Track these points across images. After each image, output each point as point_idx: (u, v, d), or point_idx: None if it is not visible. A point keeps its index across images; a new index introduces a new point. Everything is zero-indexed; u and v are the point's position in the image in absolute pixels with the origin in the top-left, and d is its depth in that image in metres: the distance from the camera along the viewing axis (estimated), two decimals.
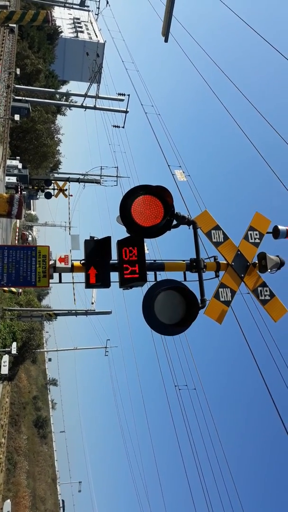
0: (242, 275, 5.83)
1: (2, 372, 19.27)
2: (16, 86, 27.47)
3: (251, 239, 6.02)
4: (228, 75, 12.21)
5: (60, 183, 29.12)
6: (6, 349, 22.69)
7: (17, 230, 40.30)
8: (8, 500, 19.85)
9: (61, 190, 28.82)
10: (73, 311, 29.10)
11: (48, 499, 47.90)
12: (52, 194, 29.24)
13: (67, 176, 30.67)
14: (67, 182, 29.25)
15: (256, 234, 6.06)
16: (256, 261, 5.93)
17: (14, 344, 23.29)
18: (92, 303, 29.25)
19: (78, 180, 29.88)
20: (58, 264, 5.30)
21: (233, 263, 5.84)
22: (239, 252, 5.91)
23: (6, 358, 19.57)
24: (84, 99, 27.13)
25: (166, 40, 12.42)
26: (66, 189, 29.03)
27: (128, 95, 26.12)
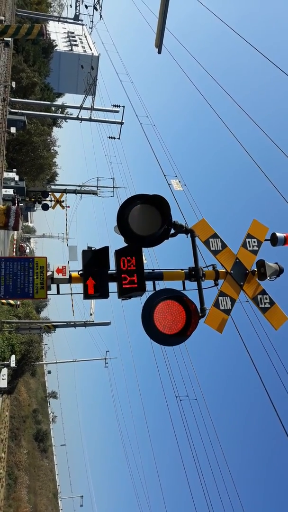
0: (242, 283, 5.79)
1: (1, 386, 19.08)
2: (12, 99, 27.64)
3: (250, 246, 6.00)
4: (222, 85, 12.32)
5: (57, 195, 29.18)
6: (5, 362, 22.50)
7: (15, 242, 40.28)
8: None
9: (58, 201, 28.87)
10: (71, 323, 28.95)
11: None
12: (49, 205, 29.27)
13: (64, 187, 30.73)
14: (64, 194, 29.31)
15: (254, 242, 6.03)
16: (255, 269, 5.89)
17: (13, 357, 23.10)
18: (91, 314, 29.12)
19: (75, 192, 29.94)
20: (56, 275, 5.26)
21: (232, 271, 5.81)
22: (237, 260, 5.88)
23: (5, 371, 19.40)
24: (79, 111, 27.31)
25: (159, 52, 12.52)
26: (63, 201, 29.09)
27: (123, 106, 26.33)
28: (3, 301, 25.85)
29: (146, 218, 5.22)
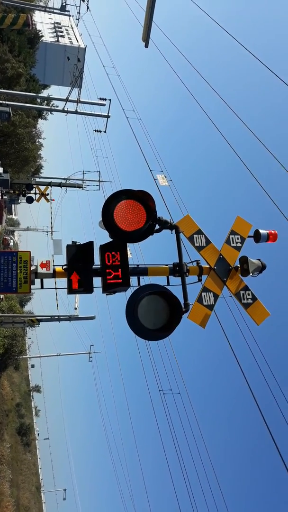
0: (225, 279, 5.86)
1: None
2: None
3: (233, 243, 6.07)
4: (209, 80, 12.34)
5: (42, 188, 28.89)
6: None
7: None
8: None
9: (43, 194, 28.61)
10: (56, 317, 28.82)
11: (32, 508, 47.23)
12: (34, 198, 28.98)
13: (49, 180, 30.42)
14: (49, 187, 29.04)
15: (238, 238, 6.11)
16: (238, 265, 5.97)
17: None
18: (75, 308, 29.05)
19: (60, 185, 29.67)
20: (39, 270, 5.25)
21: (215, 267, 5.87)
22: (221, 256, 5.95)
23: None
24: (65, 104, 26.99)
25: (146, 46, 12.48)
26: (48, 194, 28.81)
27: (110, 99, 26.10)
28: None
29: (131, 214, 5.24)
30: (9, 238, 57.15)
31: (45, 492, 59.80)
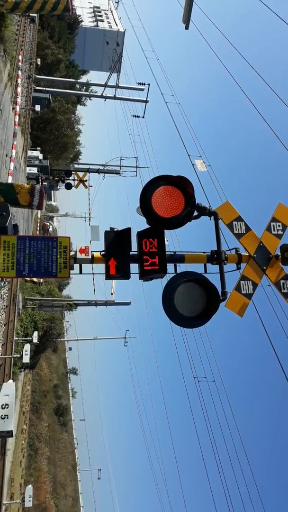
0: (264, 267, 5.71)
1: (24, 361, 19.54)
2: (37, 76, 27.54)
3: (274, 230, 5.89)
4: (251, 63, 11.94)
5: (80, 174, 29.20)
6: (28, 338, 23.03)
7: (38, 220, 40.72)
8: (30, 485, 20.25)
9: (81, 181, 28.90)
10: (93, 302, 29.34)
11: (68, 485, 48.87)
12: (73, 185, 29.35)
13: (87, 167, 30.72)
14: (87, 173, 29.31)
15: (279, 226, 5.92)
16: (279, 253, 5.80)
17: (36, 333, 23.60)
18: (112, 294, 29.43)
19: (98, 171, 29.90)
20: (78, 255, 5.30)
21: (255, 255, 5.73)
22: (261, 244, 5.79)
23: (27, 347, 19.83)
24: (104, 89, 27.04)
25: (187, 28, 12.22)
26: (86, 180, 29.10)
27: (148, 84, 25.91)
28: (27, 278, 26.36)
29: (169, 200, 5.18)
30: (48, 223, 58.36)
31: (81, 471, 61.62)
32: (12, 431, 8.81)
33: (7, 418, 8.53)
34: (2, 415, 8.52)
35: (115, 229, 5.31)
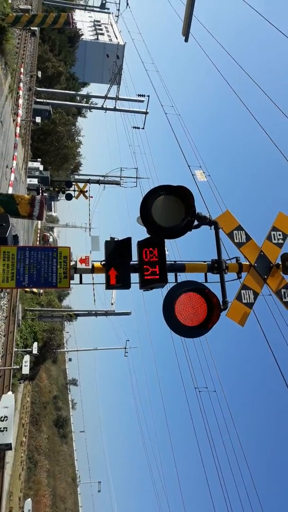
0: (265, 276, 5.70)
1: (23, 372, 19.41)
2: (38, 88, 27.82)
3: (274, 239, 5.89)
4: (250, 74, 12.06)
5: (81, 185, 29.31)
6: (28, 349, 22.91)
7: (39, 231, 40.79)
8: (29, 499, 20.02)
9: (82, 191, 29.00)
10: (93, 312, 29.26)
11: (68, 498, 48.26)
12: (73, 195, 29.45)
13: (87, 177, 30.85)
14: (88, 184, 29.43)
15: (280, 235, 5.93)
16: (280, 262, 5.79)
17: (35, 344, 23.49)
18: (112, 304, 29.36)
19: (98, 182, 30.01)
20: (78, 265, 5.29)
21: (255, 264, 5.73)
22: (262, 253, 5.79)
23: (27, 358, 19.72)
24: (104, 101, 27.28)
25: (186, 40, 12.34)
26: (86, 191, 29.20)
27: (148, 96, 26.16)
28: (27, 289, 26.31)
29: (170, 209, 5.18)
30: (48, 234, 58.47)
31: (81, 483, 60.90)
32: (11, 444, 8.72)
33: (6, 430, 8.44)
34: (1, 428, 8.44)
35: (115, 239, 5.31)
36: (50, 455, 41.84)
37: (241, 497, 16.99)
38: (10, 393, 10.46)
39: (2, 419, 8.48)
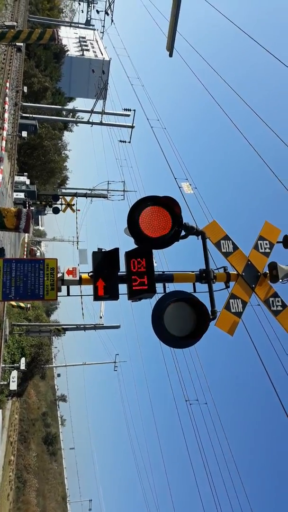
0: (253, 285, 5.73)
1: (11, 388, 19.14)
2: (24, 103, 27.91)
3: (261, 248, 5.93)
4: (234, 87, 12.27)
5: (68, 198, 29.32)
6: (15, 364, 22.58)
7: (25, 245, 40.51)
8: None
9: (69, 205, 29.00)
10: (81, 326, 29.00)
11: None
12: (60, 209, 29.41)
13: (74, 191, 30.89)
14: (75, 197, 29.44)
15: (266, 244, 5.97)
16: (267, 271, 5.83)
17: (23, 360, 23.18)
18: (101, 317, 29.15)
19: (85, 195, 30.06)
20: (66, 277, 5.25)
21: (243, 274, 5.75)
22: (249, 262, 5.82)
23: (15, 373, 19.46)
24: (90, 115, 27.46)
25: (170, 55, 12.53)
26: (73, 204, 29.20)
27: (134, 110, 26.44)
28: (13, 303, 25.99)
29: (156, 220, 5.20)
30: (36, 248, 58.03)
31: (71, 502, 59.63)
32: None
33: None
34: None
35: (103, 250, 5.29)
36: (40, 474, 40.98)
37: (234, 510, 16.75)
38: None
39: None
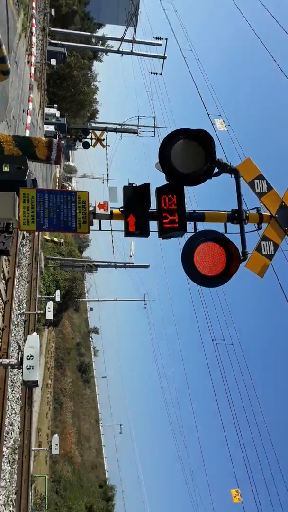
0: (286, 228, 5.56)
1: (47, 317, 20.12)
2: (52, 29, 26.61)
3: None
4: (273, 22, 11.19)
5: (98, 133, 28.60)
6: (51, 296, 23.56)
7: (57, 180, 40.51)
8: (56, 435, 21.41)
9: (99, 139, 28.32)
10: (112, 263, 29.55)
11: (92, 438, 51.14)
12: (90, 144, 28.85)
13: (104, 125, 30.03)
14: (105, 132, 28.70)
15: None
16: None
17: (58, 292, 24.10)
18: (131, 256, 29.51)
19: (115, 130, 29.22)
20: (97, 211, 5.26)
21: (276, 215, 5.57)
22: (283, 204, 5.61)
23: (50, 304, 20.35)
24: (120, 44, 26.04)
25: None
26: (103, 139, 28.52)
27: (166, 39, 24.79)
28: (47, 237, 26.60)
29: (189, 155, 5.00)
30: (67, 184, 58.16)
31: (104, 425, 64.15)
32: (37, 381, 9.10)
33: (32, 368, 8.81)
34: (28, 366, 8.80)
35: (134, 185, 5.20)
36: (75, 398, 44.01)
37: (257, 447, 17.63)
38: (34, 333, 10.88)
39: (28, 357, 8.84)
